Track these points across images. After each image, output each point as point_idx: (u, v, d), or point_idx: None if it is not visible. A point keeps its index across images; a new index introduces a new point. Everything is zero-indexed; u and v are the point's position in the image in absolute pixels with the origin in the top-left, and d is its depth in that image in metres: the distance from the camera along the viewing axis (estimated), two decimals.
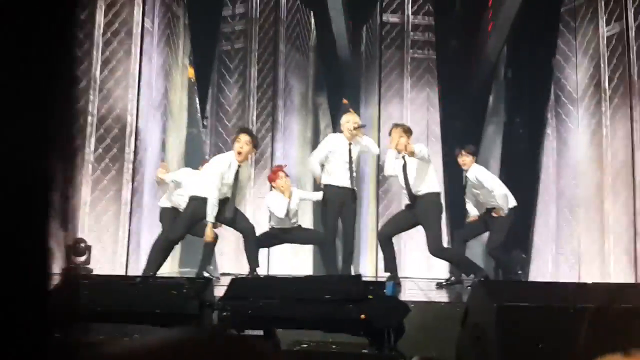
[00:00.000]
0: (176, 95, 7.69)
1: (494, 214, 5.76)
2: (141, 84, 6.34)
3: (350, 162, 5.35)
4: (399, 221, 5.36)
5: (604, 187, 6.38)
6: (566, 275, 6.73)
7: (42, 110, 0.43)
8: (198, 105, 8.22)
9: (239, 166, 5.11)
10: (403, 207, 5.50)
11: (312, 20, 8.96)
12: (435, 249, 5.07)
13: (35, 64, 0.43)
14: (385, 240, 5.32)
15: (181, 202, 5.55)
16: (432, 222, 5.09)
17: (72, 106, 0.48)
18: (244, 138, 5.10)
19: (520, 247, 7.21)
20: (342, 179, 5.33)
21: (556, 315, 2.53)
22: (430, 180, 5.15)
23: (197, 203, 5.07)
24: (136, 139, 6.23)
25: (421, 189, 5.12)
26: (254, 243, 5.29)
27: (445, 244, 5.76)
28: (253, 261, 5.26)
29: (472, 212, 5.97)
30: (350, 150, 5.38)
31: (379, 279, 5.50)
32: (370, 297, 2.68)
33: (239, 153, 5.06)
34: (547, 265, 7.05)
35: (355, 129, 5.36)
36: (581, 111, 6.87)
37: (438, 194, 5.23)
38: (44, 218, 0.43)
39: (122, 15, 6.34)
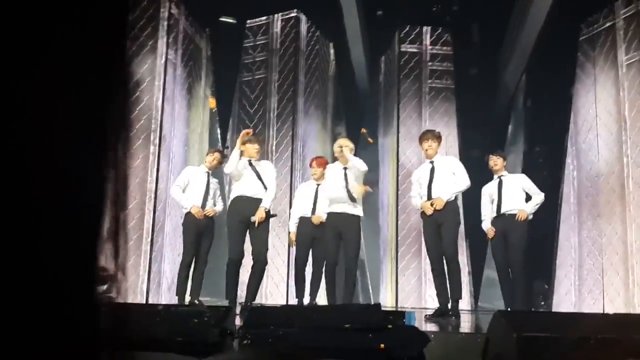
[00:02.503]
0: (198, 125, 7.83)
1: (519, 219, 5.65)
2: (164, 115, 6.47)
3: (347, 185, 5.33)
4: (431, 235, 5.28)
5: (627, 218, 6.30)
6: (590, 306, 6.63)
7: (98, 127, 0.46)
8: (219, 135, 8.34)
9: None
10: (422, 219, 5.46)
11: (332, 51, 9.10)
12: (452, 252, 5.10)
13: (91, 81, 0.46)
14: (437, 266, 5.21)
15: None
16: (451, 226, 5.15)
17: (126, 121, 0.51)
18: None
19: (542, 278, 7.12)
20: (341, 205, 5.33)
21: (577, 346, 2.50)
22: (451, 187, 5.25)
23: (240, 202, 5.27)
24: (157, 169, 6.33)
25: (443, 195, 5.19)
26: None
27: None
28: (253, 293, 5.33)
29: (487, 226, 5.92)
30: (345, 174, 5.38)
31: (399, 309, 5.44)
32: (389, 326, 2.68)
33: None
34: (570, 296, 6.95)
35: (339, 147, 5.40)
36: (601, 141, 6.84)
37: (456, 202, 5.33)
38: (95, 242, 0.46)
39: (146, 48, 6.51)
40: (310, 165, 6.31)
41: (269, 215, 5.39)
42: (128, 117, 0.52)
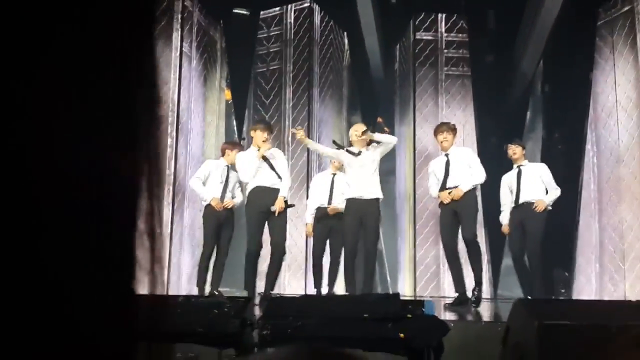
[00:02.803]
0: (214, 116, 7.86)
1: (536, 209, 5.61)
2: (180, 107, 6.50)
3: (361, 168, 5.37)
4: (447, 224, 5.31)
5: None
6: (610, 293, 6.56)
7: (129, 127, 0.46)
8: (235, 127, 8.36)
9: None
10: (439, 209, 5.49)
11: (346, 41, 9.05)
12: (471, 234, 5.16)
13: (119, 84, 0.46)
14: (450, 253, 5.26)
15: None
16: (470, 212, 5.21)
17: (157, 114, 0.51)
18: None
19: (562, 266, 7.06)
20: (361, 190, 5.34)
21: (599, 334, 2.49)
22: (469, 179, 5.29)
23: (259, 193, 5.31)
24: (175, 161, 6.37)
25: (460, 182, 5.23)
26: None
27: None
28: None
29: (505, 220, 5.88)
30: (361, 157, 5.40)
31: (418, 298, 5.44)
32: (409, 315, 2.69)
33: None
34: (591, 283, 6.89)
35: (362, 134, 5.40)
36: (621, 126, 6.74)
37: (474, 192, 5.35)
38: (130, 236, 0.46)
39: (161, 40, 6.53)
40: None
41: (287, 205, 5.42)
42: (158, 111, 0.53)
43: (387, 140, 5.44)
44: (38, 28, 0.40)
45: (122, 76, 0.45)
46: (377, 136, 5.43)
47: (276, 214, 5.29)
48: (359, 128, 5.54)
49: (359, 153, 5.41)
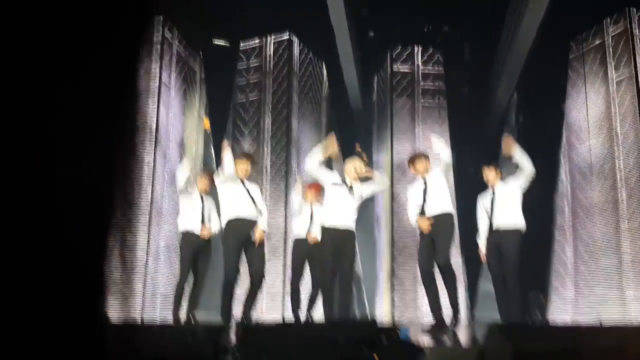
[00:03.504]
0: (192, 146, 7.85)
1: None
2: (158, 137, 6.50)
3: (352, 204, 5.36)
4: (424, 249, 5.31)
5: (620, 229, 6.34)
6: (586, 317, 6.62)
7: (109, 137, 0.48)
8: (214, 156, 8.36)
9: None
10: (418, 237, 5.52)
11: (325, 72, 9.17)
12: (444, 259, 5.17)
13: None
14: (427, 279, 5.26)
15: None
16: (444, 238, 5.23)
17: (134, 133, 0.53)
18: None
19: (538, 289, 7.12)
20: (340, 221, 5.32)
21: (573, 358, 2.50)
22: (446, 202, 5.35)
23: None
24: (152, 190, 6.34)
25: (437, 209, 5.27)
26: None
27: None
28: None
29: (481, 244, 5.85)
30: (352, 193, 5.38)
31: (395, 324, 5.41)
32: (384, 341, 2.68)
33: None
34: (566, 307, 6.96)
35: (362, 172, 5.40)
36: (593, 155, 6.90)
37: (452, 215, 5.37)
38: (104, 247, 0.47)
39: (141, 71, 6.56)
40: (308, 189, 6.27)
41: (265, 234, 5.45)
42: (135, 130, 0.55)
43: (382, 184, 5.58)
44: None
45: (106, 103, 0.47)
46: (376, 175, 5.51)
47: (256, 245, 5.28)
48: (358, 164, 5.45)
49: (351, 187, 5.38)
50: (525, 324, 5.59)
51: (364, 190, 5.40)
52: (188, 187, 5.73)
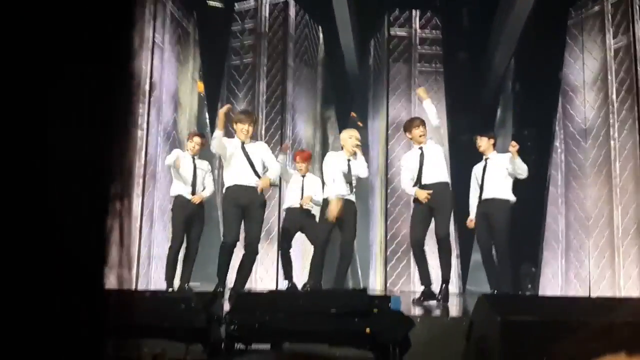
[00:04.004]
0: (186, 109, 7.78)
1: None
2: (151, 99, 6.43)
3: (350, 176, 5.42)
4: (420, 220, 5.34)
5: (613, 201, 6.36)
6: (576, 289, 6.70)
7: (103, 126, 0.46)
8: (207, 119, 8.30)
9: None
10: (412, 205, 5.55)
11: (321, 35, 9.04)
12: (445, 231, 5.23)
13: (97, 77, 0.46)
14: (418, 250, 5.30)
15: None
16: (444, 209, 5.26)
17: (131, 115, 0.51)
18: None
19: (529, 261, 7.18)
20: (341, 192, 5.37)
21: (561, 330, 2.54)
22: (442, 171, 5.36)
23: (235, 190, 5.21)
24: (146, 153, 6.30)
25: (433, 178, 5.28)
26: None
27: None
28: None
29: (472, 214, 5.90)
30: (349, 166, 5.42)
31: (385, 294, 5.48)
32: (375, 310, 2.71)
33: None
34: (557, 279, 7.02)
35: (356, 146, 5.43)
36: (589, 124, 6.88)
37: (448, 184, 5.38)
38: (102, 229, 0.46)
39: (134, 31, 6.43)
40: (295, 160, 6.30)
41: (272, 184, 5.40)
42: (134, 112, 0.53)
43: (359, 171, 5.50)
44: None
45: (101, 75, 0.45)
46: (359, 159, 5.49)
47: (259, 190, 5.17)
48: (355, 134, 5.52)
49: (349, 160, 5.43)
50: (514, 295, 5.65)
51: (359, 167, 5.46)
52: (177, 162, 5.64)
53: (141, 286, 5.95)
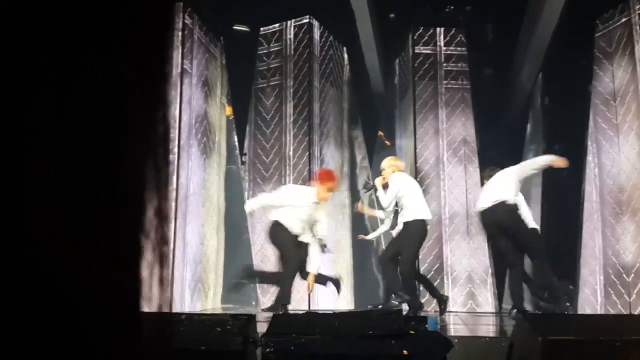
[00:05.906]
0: (215, 133, 7.88)
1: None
2: (181, 124, 6.52)
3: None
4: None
5: None
6: (615, 306, 6.53)
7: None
8: (236, 143, 8.39)
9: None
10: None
11: (345, 56, 9.11)
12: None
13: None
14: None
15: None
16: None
17: (167, 133, 0.52)
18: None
19: (567, 278, 7.03)
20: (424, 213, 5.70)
21: (602, 348, 2.48)
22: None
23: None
24: (177, 177, 6.38)
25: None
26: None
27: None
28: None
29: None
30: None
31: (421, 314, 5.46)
32: (412, 332, 2.68)
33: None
34: (596, 296, 6.85)
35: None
36: (622, 137, 6.75)
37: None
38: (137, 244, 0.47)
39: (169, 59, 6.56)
40: (320, 181, 6.11)
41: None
42: (169, 130, 0.54)
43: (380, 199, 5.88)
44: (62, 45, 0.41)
45: (141, 94, 0.47)
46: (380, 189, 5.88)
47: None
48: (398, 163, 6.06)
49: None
50: (554, 314, 5.55)
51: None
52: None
53: (175, 309, 5.98)
